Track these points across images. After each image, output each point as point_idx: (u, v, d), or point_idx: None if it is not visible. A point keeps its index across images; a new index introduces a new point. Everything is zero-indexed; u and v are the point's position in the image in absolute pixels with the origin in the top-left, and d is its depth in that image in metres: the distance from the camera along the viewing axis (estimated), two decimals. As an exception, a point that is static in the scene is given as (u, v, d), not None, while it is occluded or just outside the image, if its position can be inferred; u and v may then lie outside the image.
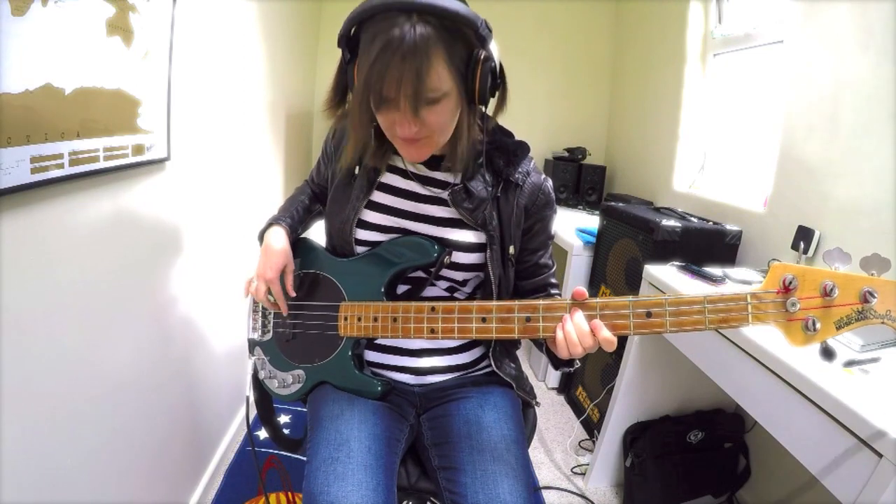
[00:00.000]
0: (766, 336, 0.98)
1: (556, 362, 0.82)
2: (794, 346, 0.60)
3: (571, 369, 0.83)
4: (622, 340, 1.58)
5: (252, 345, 0.98)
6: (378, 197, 0.86)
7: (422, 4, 0.62)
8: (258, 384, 0.99)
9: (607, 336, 0.65)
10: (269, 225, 0.92)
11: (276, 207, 1.01)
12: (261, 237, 0.92)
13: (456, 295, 0.90)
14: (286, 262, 0.88)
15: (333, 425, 0.78)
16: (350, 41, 0.69)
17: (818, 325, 0.59)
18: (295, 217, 0.95)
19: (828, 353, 0.62)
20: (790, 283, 0.59)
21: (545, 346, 0.81)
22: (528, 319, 0.70)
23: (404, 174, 0.86)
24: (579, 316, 0.67)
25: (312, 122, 2.69)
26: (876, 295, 0.57)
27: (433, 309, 0.75)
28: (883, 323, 0.58)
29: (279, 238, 0.88)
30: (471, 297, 0.91)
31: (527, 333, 0.71)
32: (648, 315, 0.64)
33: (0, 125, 0.60)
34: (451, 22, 0.64)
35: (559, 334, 0.68)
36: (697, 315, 0.62)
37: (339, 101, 0.76)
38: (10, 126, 0.62)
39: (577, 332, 0.66)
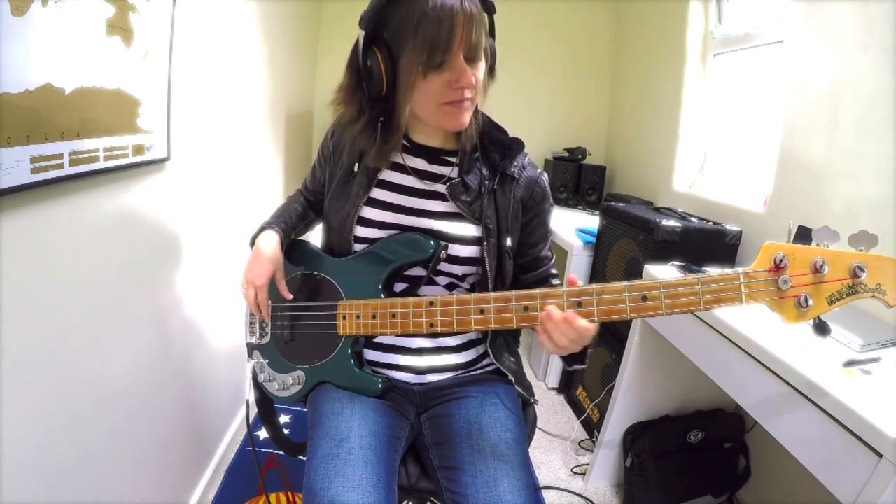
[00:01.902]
0: (766, 336, 0.98)
1: (568, 359, 0.83)
2: (788, 322, 0.62)
3: (584, 366, 0.83)
4: (622, 339, 1.58)
5: (251, 348, 0.99)
6: (377, 194, 0.86)
7: None
8: (258, 386, 0.99)
9: (584, 325, 0.66)
10: (262, 229, 0.92)
11: (275, 208, 1.01)
12: (252, 242, 0.91)
13: (455, 291, 0.90)
14: (276, 269, 0.88)
15: (334, 422, 0.78)
16: (377, 20, 0.72)
17: (810, 302, 0.60)
18: (289, 222, 0.95)
19: (821, 329, 0.63)
20: (781, 261, 0.60)
21: None
22: (525, 309, 0.70)
23: (402, 169, 0.86)
24: (553, 310, 0.67)
25: (312, 122, 2.69)
26: (865, 269, 0.59)
27: (431, 303, 0.76)
28: (873, 296, 0.59)
29: (270, 244, 0.88)
30: (470, 292, 0.91)
31: (526, 322, 0.71)
32: (644, 298, 0.65)
33: (0, 125, 0.60)
34: None
35: (541, 336, 0.69)
36: (692, 296, 0.63)
37: (355, 86, 0.77)
38: (10, 126, 0.62)
39: (553, 327, 0.67)
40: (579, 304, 0.67)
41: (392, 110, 0.78)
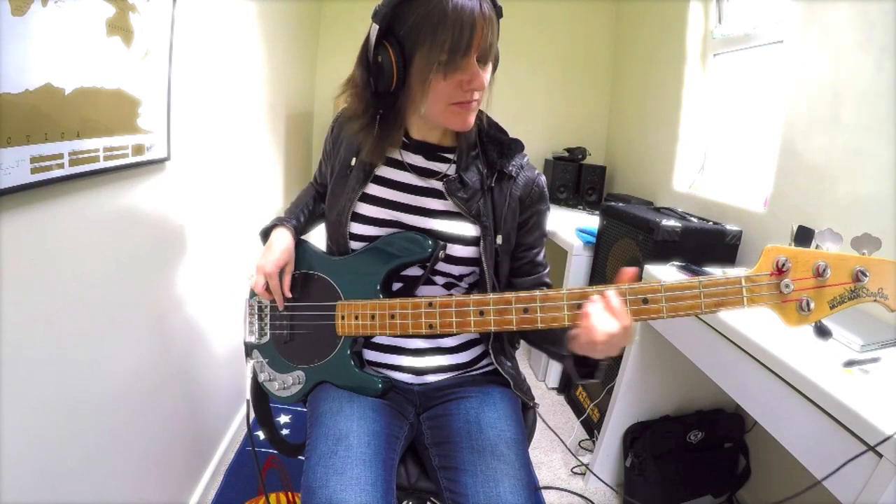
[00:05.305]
0: (766, 336, 0.98)
1: (582, 370, 0.75)
2: (789, 326, 0.62)
3: (595, 380, 0.77)
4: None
5: (249, 348, 0.98)
6: (373, 189, 0.86)
7: None
8: (257, 387, 0.99)
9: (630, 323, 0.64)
10: (275, 225, 0.92)
11: (276, 207, 1.01)
12: (264, 234, 0.92)
13: (453, 292, 0.90)
14: (287, 261, 0.88)
15: (332, 421, 0.78)
16: (392, 15, 0.71)
17: (812, 305, 0.60)
18: (301, 219, 0.96)
19: (822, 332, 0.63)
20: (783, 264, 0.60)
21: (569, 357, 0.75)
22: (525, 311, 0.70)
23: (400, 165, 0.86)
24: (613, 297, 0.64)
25: (312, 122, 2.68)
26: (868, 274, 0.58)
27: (430, 304, 0.76)
28: (875, 300, 0.59)
29: (284, 238, 0.89)
30: (468, 292, 0.91)
31: (525, 325, 0.71)
32: (645, 301, 0.64)
33: (0, 125, 0.60)
34: None
35: (584, 326, 0.64)
36: (693, 300, 0.63)
37: (366, 80, 0.77)
38: (10, 126, 0.62)
39: (613, 312, 0.63)
40: (579, 307, 0.67)
41: (397, 107, 0.78)
